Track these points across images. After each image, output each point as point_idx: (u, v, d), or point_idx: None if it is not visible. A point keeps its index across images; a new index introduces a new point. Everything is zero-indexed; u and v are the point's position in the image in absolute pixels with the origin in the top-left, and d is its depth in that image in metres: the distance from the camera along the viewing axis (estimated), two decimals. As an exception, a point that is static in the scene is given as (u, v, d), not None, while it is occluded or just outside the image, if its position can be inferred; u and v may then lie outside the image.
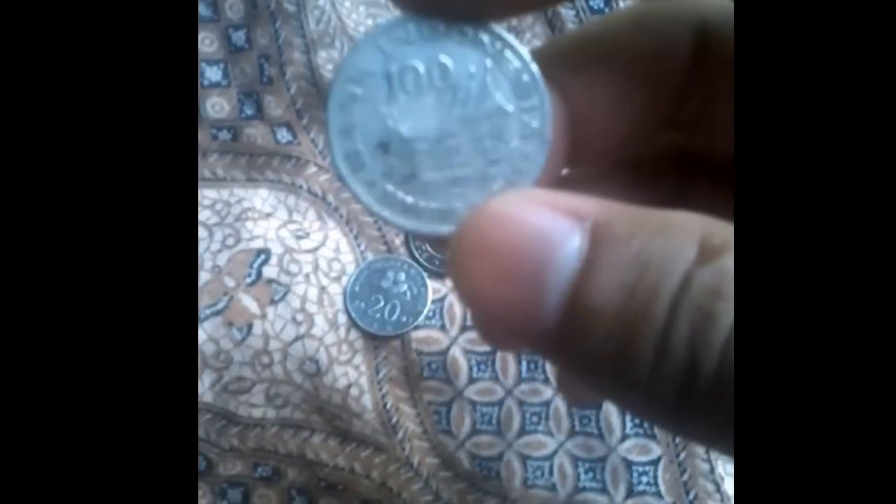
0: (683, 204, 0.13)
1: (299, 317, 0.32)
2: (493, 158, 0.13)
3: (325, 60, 0.33)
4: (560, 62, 0.15)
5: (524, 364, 0.31)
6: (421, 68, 0.13)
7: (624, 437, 0.31)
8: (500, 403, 0.31)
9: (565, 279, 0.11)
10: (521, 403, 0.31)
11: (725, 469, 0.30)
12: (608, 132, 0.15)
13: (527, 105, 0.13)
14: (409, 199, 0.13)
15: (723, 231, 0.10)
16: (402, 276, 0.32)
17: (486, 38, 0.13)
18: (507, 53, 0.13)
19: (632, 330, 0.10)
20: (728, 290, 0.10)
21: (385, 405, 0.31)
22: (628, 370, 0.11)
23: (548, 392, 0.31)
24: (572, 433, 0.31)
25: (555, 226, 0.11)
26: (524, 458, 0.31)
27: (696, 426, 0.11)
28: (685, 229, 0.10)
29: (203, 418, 0.31)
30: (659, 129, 0.17)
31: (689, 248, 0.10)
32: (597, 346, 0.11)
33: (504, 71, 0.13)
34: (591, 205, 0.11)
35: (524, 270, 0.11)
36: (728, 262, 0.10)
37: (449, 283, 0.32)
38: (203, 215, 0.33)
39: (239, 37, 0.34)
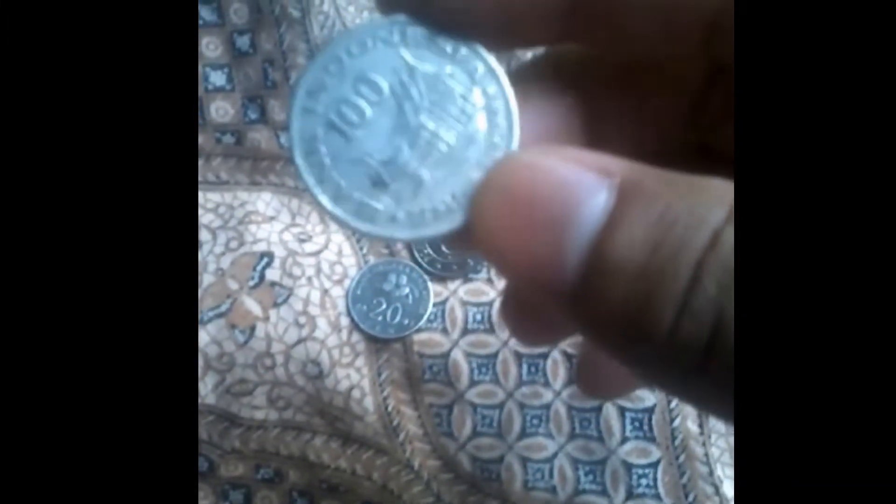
0: None
1: (302, 319, 0.32)
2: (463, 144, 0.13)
3: (329, 65, 0.34)
4: (572, 71, 0.15)
5: (525, 367, 0.32)
6: (383, 82, 0.13)
7: (624, 440, 0.31)
8: (500, 406, 0.31)
9: (589, 232, 0.11)
10: (521, 406, 0.31)
11: (724, 472, 0.30)
12: (627, 138, 0.15)
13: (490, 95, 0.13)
14: (393, 208, 0.13)
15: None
16: (404, 279, 0.33)
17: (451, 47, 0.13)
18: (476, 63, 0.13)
19: (654, 286, 0.10)
20: None
21: (386, 407, 0.31)
22: (647, 328, 0.10)
23: (548, 395, 0.31)
24: (572, 436, 0.31)
25: (582, 178, 0.11)
26: (524, 461, 0.31)
27: (711, 391, 0.11)
28: (716, 191, 0.10)
29: (205, 420, 0.31)
30: (679, 131, 0.17)
31: (719, 209, 0.10)
32: (616, 303, 0.10)
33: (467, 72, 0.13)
34: (620, 163, 0.11)
35: (548, 221, 0.11)
36: None
37: (450, 287, 0.33)
38: (207, 218, 0.33)
39: (243, 42, 0.34)
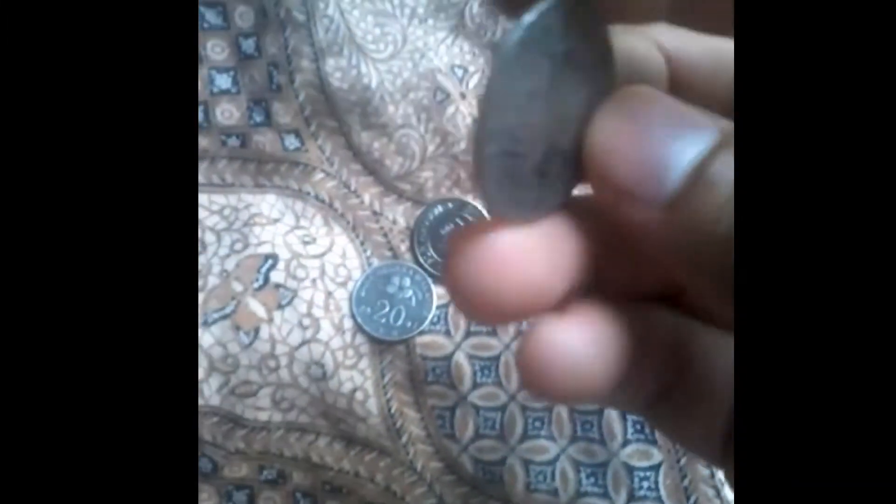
0: None
1: (306, 321, 0.32)
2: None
3: (334, 69, 0.34)
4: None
5: (527, 370, 0.32)
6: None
7: (625, 443, 0.31)
8: (503, 408, 0.31)
9: (694, 153, 0.12)
10: (523, 408, 0.31)
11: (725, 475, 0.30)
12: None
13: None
14: None
15: None
16: (408, 281, 0.33)
17: None
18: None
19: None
20: None
21: (390, 409, 0.32)
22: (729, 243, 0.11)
23: (550, 397, 0.31)
24: (574, 438, 0.31)
25: (691, 113, 0.12)
26: (526, 463, 0.31)
27: None
28: None
29: (209, 421, 0.32)
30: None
31: None
32: (711, 214, 0.12)
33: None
34: (722, 119, 0.12)
35: (663, 136, 0.12)
36: None
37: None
38: (211, 220, 0.34)
39: (248, 45, 0.35)
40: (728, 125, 0.12)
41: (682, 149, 0.12)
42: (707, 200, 0.12)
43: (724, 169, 0.12)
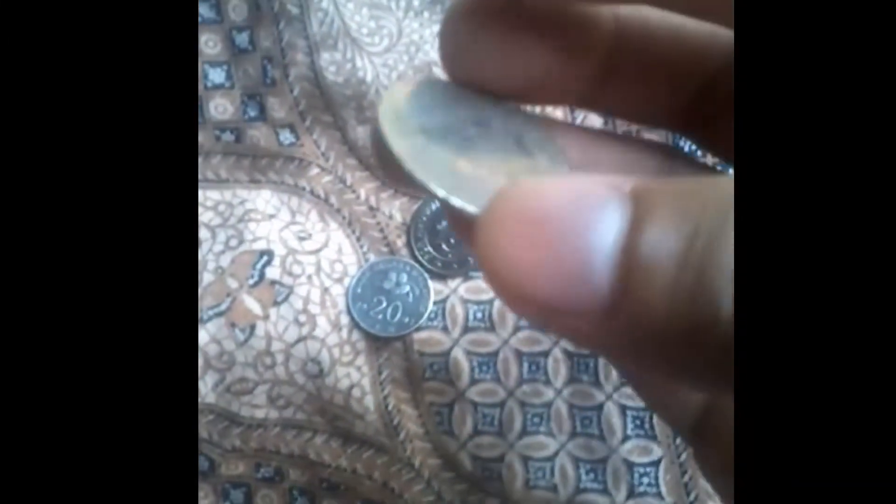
0: None
1: (302, 318, 0.32)
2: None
3: (328, 62, 0.34)
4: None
5: (526, 365, 0.32)
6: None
7: (625, 439, 0.31)
8: (501, 405, 0.31)
9: (613, 236, 0.10)
10: (522, 405, 0.31)
11: (726, 470, 0.30)
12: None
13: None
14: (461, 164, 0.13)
15: None
16: (405, 277, 0.32)
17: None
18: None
19: (702, 275, 0.09)
20: None
21: (387, 406, 0.31)
22: (703, 320, 0.10)
23: (549, 393, 0.31)
24: (574, 434, 0.31)
25: (594, 189, 0.10)
26: (525, 460, 0.31)
27: None
28: (728, 183, 0.10)
29: (206, 419, 0.31)
30: (671, 124, 0.17)
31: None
32: (661, 300, 0.10)
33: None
34: (627, 178, 0.10)
35: (565, 233, 0.10)
36: None
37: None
38: (206, 216, 0.33)
39: (242, 38, 0.34)
40: (640, 182, 0.10)
41: (596, 238, 0.10)
42: (651, 288, 0.10)
43: (659, 243, 0.10)
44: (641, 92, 0.16)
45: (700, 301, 0.09)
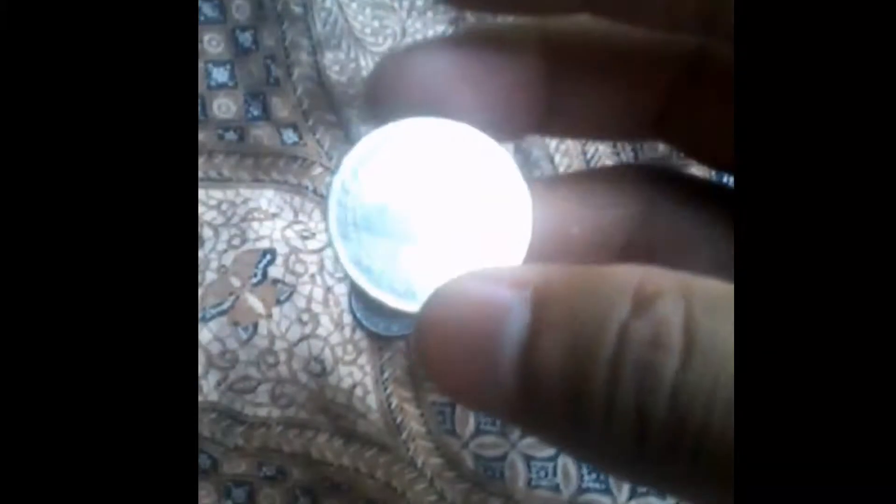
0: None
1: (304, 317, 0.32)
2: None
3: (332, 62, 0.34)
4: (553, 44, 0.15)
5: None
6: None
7: (627, 438, 0.31)
8: (503, 404, 0.31)
9: (515, 348, 0.11)
10: (524, 404, 0.31)
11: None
12: (588, 120, 0.16)
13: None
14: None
15: (657, 277, 0.10)
16: (407, 276, 0.33)
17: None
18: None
19: (578, 391, 0.10)
20: (666, 338, 0.10)
21: (390, 405, 0.31)
22: (581, 431, 0.11)
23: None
24: (576, 434, 0.31)
25: (499, 298, 0.11)
26: (528, 459, 0.31)
27: (653, 477, 0.11)
28: (620, 283, 0.11)
29: (208, 417, 0.31)
30: (642, 129, 0.17)
31: (623, 303, 0.10)
32: (549, 410, 0.11)
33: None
34: (532, 271, 0.12)
35: (476, 346, 0.11)
36: (662, 307, 0.10)
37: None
38: (209, 215, 0.33)
39: (245, 38, 0.34)
40: (540, 281, 0.11)
41: (500, 348, 0.11)
42: (541, 398, 0.11)
43: (545, 359, 0.11)
44: (598, 106, 0.16)
45: (576, 416, 0.11)
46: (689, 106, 0.16)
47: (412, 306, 0.13)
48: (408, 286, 0.14)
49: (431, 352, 0.12)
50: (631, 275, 0.11)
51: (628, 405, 0.10)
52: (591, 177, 0.19)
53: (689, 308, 0.10)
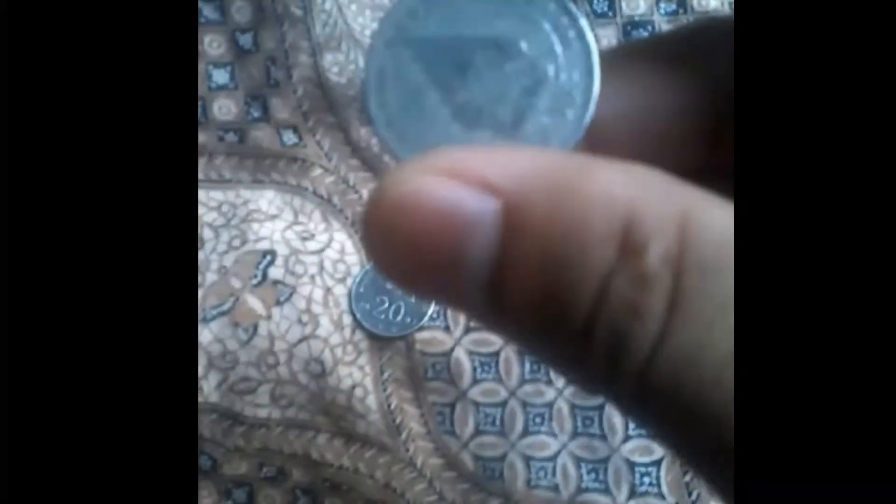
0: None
1: (304, 318, 0.32)
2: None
3: (331, 63, 0.34)
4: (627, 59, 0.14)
5: (527, 365, 0.32)
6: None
7: (626, 438, 0.31)
8: (503, 404, 0.31)
9: (480, 271, 0.10)
10: (524, 404, 0.31)
11: (727, 470, 0.30)
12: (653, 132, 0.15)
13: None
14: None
15: (650, 210, 0.09)
16: (407, 277, 0.33)
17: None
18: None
19: (549, 331, 0.09)
20: (646, 305, 0.09)
21: (389, 406, 0.31)
22: (551, 356, 0.10)
23: (551, 393, 0.31)
24: (575, 434, 0.31)
25: (463, 203, 0.09)
26: (527, 459, 0.31)
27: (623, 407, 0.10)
28: (607, 214, 0.09)
29: (209, 418, 0.31)
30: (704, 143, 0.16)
31: (607, 246, 0.09)
32: (521, 332, 0.10)
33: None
34: (504, 173, 0.10)
35: (437, 260, 0.10)
36: (650, 261, 0.09)
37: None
38: (209, 217, 0.34)
39: (246, 40, 0.34)
40: (511, 185, 0.09)
41: (467, 259, 0.09)
42: (513, 323, 0.10)
43: (517, 294, 0.09)
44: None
45: (548, 348, 0.10)
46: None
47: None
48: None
49: (384, 258, 0.10)
50: (621, 203, 0.09)
51: (599, 366, 0.09)
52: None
53: (680, 264, 0.09)
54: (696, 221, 0.09)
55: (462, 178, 0.10)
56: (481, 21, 0.12)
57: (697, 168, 0.15)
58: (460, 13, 0.12)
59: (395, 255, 0.10)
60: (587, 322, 0.09)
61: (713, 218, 0.09)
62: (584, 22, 0.12)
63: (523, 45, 0.12)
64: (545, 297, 0.09)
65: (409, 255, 0.10)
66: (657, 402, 0.09)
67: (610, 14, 0.33)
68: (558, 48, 0.12)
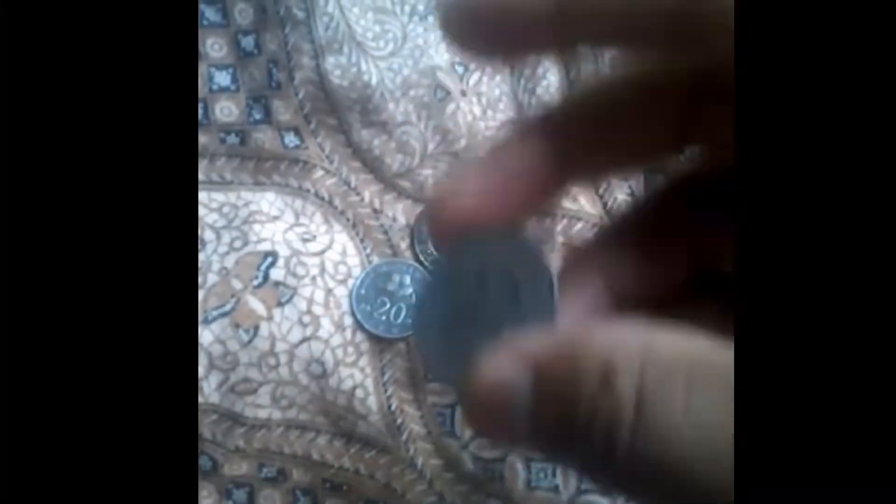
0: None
1: (306, 319, 0.32)
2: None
3: (334, 66, 0.34)
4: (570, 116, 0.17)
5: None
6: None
7: (626, 441, 0.31)
8: (503, 406, 0.31)
9: (526, 412, 0.14)
10: (524, 406, 0.31)
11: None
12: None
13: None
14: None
15: (620, 350, 0.13)
16: (408, 278, 0.33)
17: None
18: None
19: (564, 445, 0.14)
20: (620, 413, 0.12)
21: (390, 407, 0.31)
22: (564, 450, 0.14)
23: (551, 395, 0.31)
24: (575, 436, 0.31)
25: (513, 374, 0.14)
26: (527, 461, 0.31)
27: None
28: (592, 363, 0.13)
29: (209, 419, 0.32)
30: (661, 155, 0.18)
31: (592, 381, 0.13)
32: (549, 439, 0.14)
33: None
34: (535, 344, 0.14)
35: (501, 411, 0.14)
36: (620, 385, 0.12)
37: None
38: (211, 218, 0.34)
39: (248, 42, 0.35)
40: (537, 352, 0.14)
41: (515, 409, 0.14)
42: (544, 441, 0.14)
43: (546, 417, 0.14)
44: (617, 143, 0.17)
45: (566, 444, 0.14)
46: (702, 120, 0.16)
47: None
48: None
49: (473, 413, 0.15)
50: (599, 355, 0.13)
51: (598, 455, 0.13)
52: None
53: (643, 381, 0.12)
54: (653, 351, 0.13)
55: (510, 358, 0.14)
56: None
57: (668, 153, 0.18)
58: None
59: (482, 410, 0.15)
60: (587, 426, 0.13)
61: (665, 344, 0.13)
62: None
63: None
64: (560, 416, 0.13)
65: (488, 406, 0.14)
66: (645, 473, 0.12)
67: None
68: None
